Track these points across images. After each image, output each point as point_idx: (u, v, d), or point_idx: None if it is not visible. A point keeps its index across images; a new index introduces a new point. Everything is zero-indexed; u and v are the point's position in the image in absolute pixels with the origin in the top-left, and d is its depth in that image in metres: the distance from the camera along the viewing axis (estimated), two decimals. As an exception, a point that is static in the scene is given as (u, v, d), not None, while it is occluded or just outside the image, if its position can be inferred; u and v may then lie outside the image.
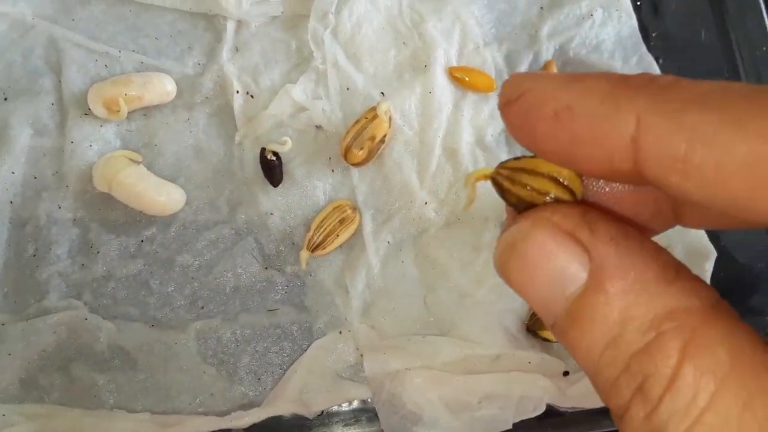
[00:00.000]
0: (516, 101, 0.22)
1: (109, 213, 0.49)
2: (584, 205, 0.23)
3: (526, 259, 0.22)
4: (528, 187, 0.23)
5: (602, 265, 0.20)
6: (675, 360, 0.19)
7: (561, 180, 0.23)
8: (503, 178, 0.24)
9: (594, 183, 0.24)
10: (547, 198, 0.23)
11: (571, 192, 0.23)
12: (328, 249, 0.49)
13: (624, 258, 0.20)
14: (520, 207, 0.24)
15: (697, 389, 0.18)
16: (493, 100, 0.52)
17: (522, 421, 0.44)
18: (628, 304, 0.20)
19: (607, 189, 0.24)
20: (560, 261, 0.21)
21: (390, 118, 0.49)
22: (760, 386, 0.18)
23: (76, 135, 0.49)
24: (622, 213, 0.24)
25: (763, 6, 0.52)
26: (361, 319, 0.48)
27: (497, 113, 0.48)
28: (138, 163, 0.49)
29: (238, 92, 0.51)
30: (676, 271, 0.20)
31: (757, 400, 0.18)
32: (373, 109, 0.49)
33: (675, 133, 0.19)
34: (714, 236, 0.48)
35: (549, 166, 0.23)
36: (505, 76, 0.52)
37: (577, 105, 0.21)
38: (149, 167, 0.49)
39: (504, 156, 0.51)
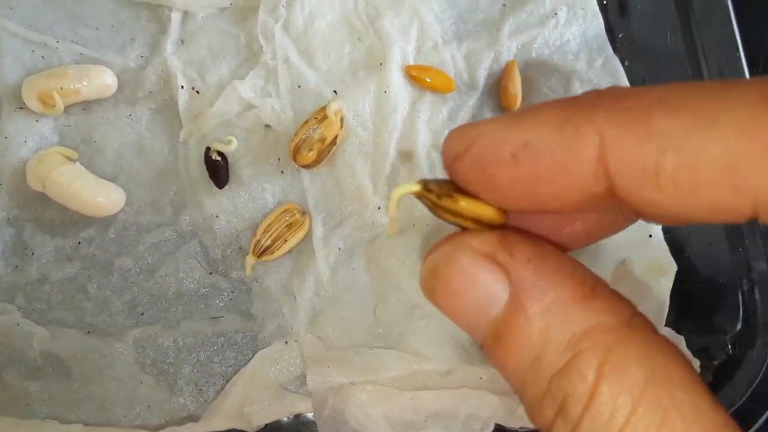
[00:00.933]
0: (465, 153, 0.22)
1: (44, 213, 0.47)
2: (503, 228, 0.23)
3: (449, 283, 0.22)
4: (452, 218, 0.24)
5: (521, 287, 0.21)
6: (592, 380, 0.19)
7: (483, 221, 0.23)
8: (429, 200, 0.24)
9: None
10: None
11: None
12: (276, 254, 0.47)
13: (541, 278, 0.21)
14: (448, 221, 0.24)
15: (615, 408, 0.19)
16: (451, 100, 0.50)
17: (468, 441, 0.43)
18: (547, 325, 0.20)
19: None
20: (482, 284, 0.21)
21: (342, 119, 0.47)
22: (674, 403, 0.18)
23: (11, 130, 0.47)
24: (554, 228, 0.25)
25: (731, 8, 0.50)
26: (309, 328, 0.46)
27: (455, 114, 0.46)
28: (74, 160, 0.46)
29: (183, 87, 0.48)
30: (592, 287, 0.21)
31: (674, 417, 0.18)
32: (323, 109, 0.46)
33: (642, 142, 0.18)
34: (678, 248, 0.47)
35: (474, 208, 0.23)
36: (465, 76, 0.50)
37: (534, 140, 0.21)
38: (88, 165, 0.47)
39: None
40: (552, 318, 0.20)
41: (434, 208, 0.24)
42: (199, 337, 0.46)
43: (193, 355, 0.46)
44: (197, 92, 0.49)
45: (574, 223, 0.25)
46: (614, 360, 0.19)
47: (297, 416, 0.46)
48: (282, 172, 0.48)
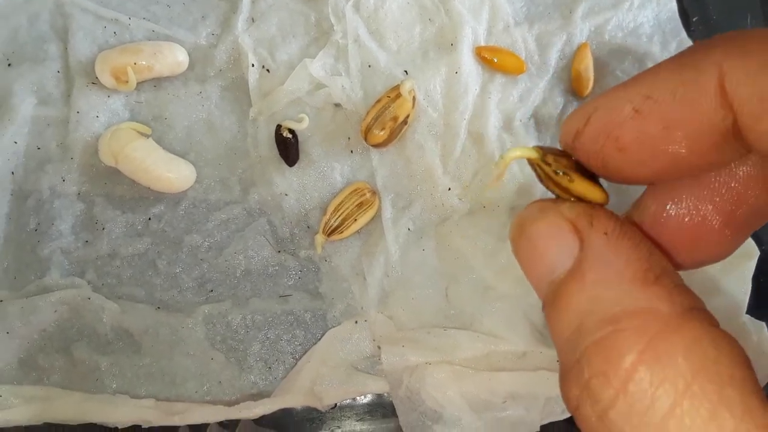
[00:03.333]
0: (585, 126, 0.22)
1: (115, 188, 0.47)
2: (596, 204, 0.23)
3: (529, 239, 0.23)
4: (558, 191, 0.24)
5: (588, 255, 0.21)
6: (629, 362, 0.18)
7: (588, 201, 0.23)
8: (543, 171, 0.24)
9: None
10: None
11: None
12: (345, 233, 0.46)
13: (610, 252, 0.21)
14: (555, 193, 0.24)
15: (654, 397, 0.18)
16: (522, 82, 0.49)
17: (550, 424, 0.42)
18: (597, 294, 0.20)
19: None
20: (556, 245, 0.22)
21: (414, 99, 0.46)
22: (724, 399, 0.18)
23: (83, 105, 0.47)
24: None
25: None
26: (379, 308, 0.45)
27: (526, 96, 0.45)
28: (147, 136, 0.46)
29: (253, 66, 0.48)
30: (658, 276, 0.20)
31: (723, 413, 0.17)
32: (396, 88, 0.46)
33: (760, 72, 0.18)
34: (762, 233, 0.45)
35: (585, 189, 0.23)
36: (536, 58, 0.50)
37: (654, 90, 0.20)
38: (158, 141, 0.47)
39: (533, 143, 0.48)
40: (604, 290, 0.20)
41: (544, 179, 0.24)
42: (268, 315, 0.46)
43: (262, 332, 0.45)
44: (267, 70, 0.48)
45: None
46: (658, 347, 0.18)
47: (366, 396, 0.45)
48: (351, 151, 0.48)
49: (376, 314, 0.45)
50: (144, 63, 0.46)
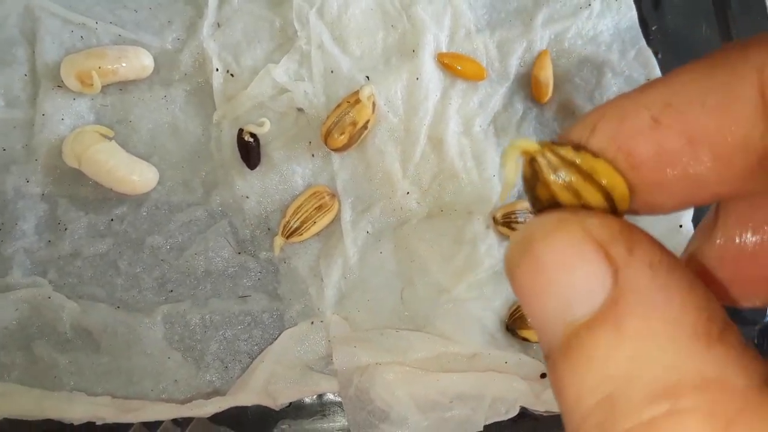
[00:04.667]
0: (590, 137, 0.18)
1: (79, 189, 0.47)
2: (633, 225, 0.18)
3: (540, 263, 0.17)
4: (570, 188, 0.19)
5: (626, 294, 0.15)
6: None
7: (611, 197, 0.19)
8: (546, 165, 0.19)
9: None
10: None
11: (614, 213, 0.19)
12: (305, 236, 0.47)
13: (657, 292, 0.15)
14: (541, 204, 0.20)
15: None
16: (482, 88, 0.50)
17: (494, 424, 0.42)
18: (642, 354, 0.15)
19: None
20: (579, 274, 0.16)
21: (373, 104, 0.47)
22: None
23: (48, 108, 0.48)
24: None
25: (767, 1, 0.50)
26: (335, 309, 0.46)
27: (486, 102, 0.46)
28: (110, 138, 0.47)
29: (217, 70, 0.49)
30: (721, 330, 0.15)
31: None
32: (356, 93, 0.47)
33: None
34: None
35: (609, 174, 0.18)
36: (497, 65, 0.50)
37: (679, 95, 0.17)
38: (123, 144, 0.48)
39: (492, 149, 0.49)
40: (654, 347, 0.15)
41: (549, 175, 0.19)
42: (226, 315, 0.46)
43: (220, 332, 0.46)
44: (231, 75, 0.49)
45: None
46: None
47: (321, 396, 0.46)
48: (312, 155, 0.49)
49: (332, 315, 0.46)
50: (109, 67, 0.47)
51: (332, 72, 0.49)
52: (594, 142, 0.18)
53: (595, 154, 0.18)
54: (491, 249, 0.46)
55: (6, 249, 0.46)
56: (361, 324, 0.46)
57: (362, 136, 0.48)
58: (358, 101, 0.46)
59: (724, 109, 0.16)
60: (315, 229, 0.47)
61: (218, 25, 0.50)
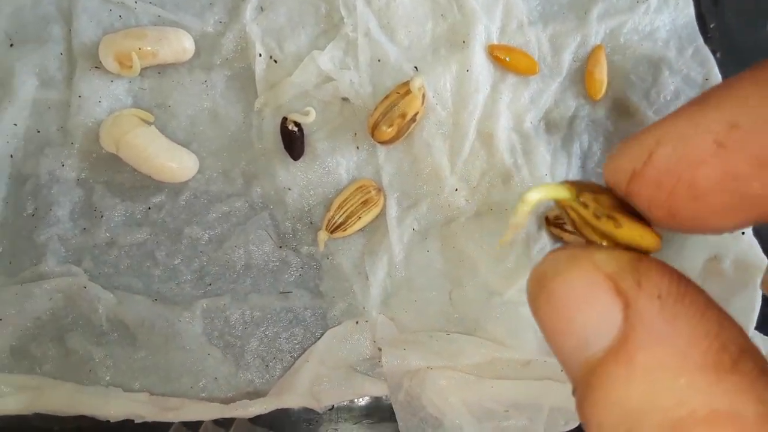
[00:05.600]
0: (645, 166, 0.17)
1: (115, 175, 0.46)
2: (642, 254, 0.18)
3: (554, 301, 0.17)
4: (598, 239, 0.19)
5: (636, 327, 0.16)
6: None
7: (637, 249, 0.18)
8: (579, 215, 0.19)
9: None
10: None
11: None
12: (349, 231, 0.45)
13: (667, 324, 0.15)
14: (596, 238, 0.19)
15: None
16: (534, 83, 0.48)
17: (552, 435, 0.41)
18: (653, 388, 0.15)
19: None
20: (591, 312, 0.16)
21: (423, 96, 0.45)
22: None
23: (85, 89, 0.46)
24: None
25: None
26: (380, 309, 0.45)
27: (537, 98, 0.45)
28: (149, 123, 0.45)
29: (260, 56, 0.47)
30: (735, 359, 0.15)
31: None
32: (406, 84, 0.45)
33: None
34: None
35: (637, 235, 0.18)
36: (549, 60, 0.49)
37: (744, 115, 0.15)
38: (161, 130, 0.46)
39: (543, 147, 0.47)
40: (664, 381, 0.15)
41: (580, 224, 0.19)
42: (267, 311, 0.45)
43: (261, 329, 0.44)
44: (275, 61, 0.47)
45: None
46: None
47: (367, 398, 0.44)
48: (357, 147, 0.47)
49: (377, 315, 0.44)
50: (149, 48, 0.45)
51: (379, 61, 0.47)
52: (650, 173, 0.17)
53: (630, 211, 0.18)
54: (544, 250, 0.45)
55: (39, 236, 0.44)
56: (408, 325, 0.44)
57: (410, 129, 0.46)
58: (408, 92, 0.45)
59: None
60: (360, 224, 0.45)
61: (262, 8, 0.48)
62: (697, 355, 0.15)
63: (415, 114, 0.45)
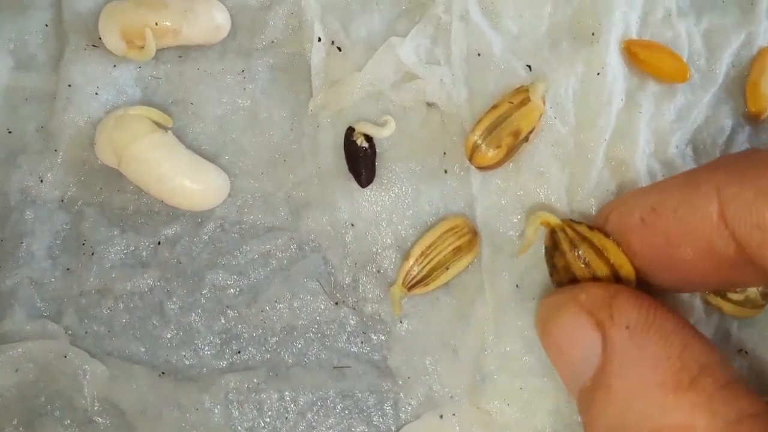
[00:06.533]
0: (605, 223, 0.27)
1: (114, 197, 0.35)
2: (622, 285, 0.24)
3: (553, 340, 0.23)
4: (583, 261, 0.27)
5: (611, 357, 0.20)
6: None
7: (618, 274, 0.26)
8: (565, 238, 0.28)
9: None
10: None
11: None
12: (431, 287, 0.34)
13: (634, 351, 0.20)
14: (560, 276, 0.28)
15: None
16: (681, 94, 0.37)
17: None
18: (625, 409, 0.19)
19: None
20: (580, 346, 0.21)
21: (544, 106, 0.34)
22: None
23: (77, 75, 0.35)
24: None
25: None
26: (474, 398, 0.34)
27: (685, 114, 0.37)
28: (166, 129, 0.34)
29: (319, 40, 0.35)
30: (694, 377, 0.18)
31: None
32: (523, 90, 0.34)
33: (756, 200, 0.19)
34: None
35: (616, 253, 0.26)
36: (702, 63, 0.38)
37: (659, 203, 0.23)
38: (180, 136, 0.35)
39: None
40: (633, 402, 0.19)
41: (568, 249, 0.28)
42: (316, 393, 0.33)
43: (307, 419, 0.33)
44: (338, 49, 0.36)
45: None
46: None
47: None
48: (446, 171, 0.35)
49: (469, 407, 0.33)
50: (168, 24, 0.34)
51: (479, 55, 0.36)
52: (607, 229, 0.26)
53: (607, 235, 0.27)
54: (699, 323, 0.33)
55: (5, 279, 0.33)
56: (510, 424, 0.33)
57: (519, 151, 0.34)
58: (526, 101, 0.34)
59: (690, 222, 0.21)
60: (446, 277, 0.34)
61: None
62: (659, 377, 0.19)
63: (531, 131, 0.33)
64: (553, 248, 0.28)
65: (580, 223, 0.29)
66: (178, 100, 0.35)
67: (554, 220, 0.29)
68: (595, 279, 0.27)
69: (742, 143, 0.38)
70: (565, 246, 0.28)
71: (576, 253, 0.27)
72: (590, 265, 0.26)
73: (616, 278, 0.26)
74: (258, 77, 0.36)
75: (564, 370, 0.22)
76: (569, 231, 0.28)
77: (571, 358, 0.21)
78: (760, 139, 0.38)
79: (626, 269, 0.25)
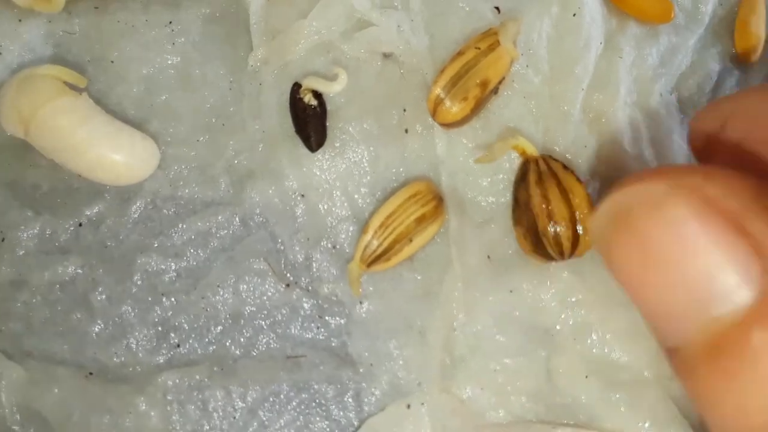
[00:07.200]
0: (719, 134, 0.22)
1: (25, 173, 0.30)
2: (750, 179, 0.16)
3: (650, 244, 0.15)
4: (544, 198, 0.27)
5: None
6: None
7: (576, 224, 0.26)
8: (535, 170, 0.27)
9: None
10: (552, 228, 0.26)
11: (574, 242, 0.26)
12: (394, 261, 0.30)
13: None
14: (519, 214, 0.28)
15: None
16: (664, 36, 0.33)
17: None
18: None
19: None
20: (710, 261, 0.14)
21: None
22: None
23: None
24: None
25: None
26: (444, 384, 0.30)
27: (669, 58, 0.33)
28: (81, 90, 0.29)
29: None
30: None
31: None
32: (492, 33, 0.30)
33: None
34: None
35: (582, 201, 0.26)
36: (686, 1, 0.34)
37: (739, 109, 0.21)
38: (100, 99, 0.30)
39: (677, 131, 0.33)
40: None
41: (536, 183, 0.28)
42: (267, 388, 0.30)
43: (258, 418, 0.29)
44: None
45: None
46: None
47: None
48: (406, 130, 0.31)
49: (439, 394, 0.30)
50: None
51: None
52: (724, 139, 0.20)
53: (579, 180, 0.27)
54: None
55: None
56: (486, 410, 0.30)
57: (487, 104, 0.30)
58: (494, 46, 0.30)
59: None
60: (410, 250, 0.30)
61: None
62: None
63: (500, 81, 0.30)
64: (520, 179, 0.28)
65: (556, 160, 0.28)
66: (96, 58, 0.31)
67: (530, 149, 0.28)
68: (550, 219, 0.26)
69: (730, 89, 0.35)
70: (531, 177, 0.27)
71: (539, 188, 0.26)
72: (550, 203, 0.26)
73: (573, 227, 0.26)
74: (189, 29, 0.31)
75: (666, 288, 0.15)
76: (542, 164, 0.28)
77: (689, 276, 0.14)
78: (752, 84, 0.35)
79: (587, 221, 0.25)
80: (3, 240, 0.29)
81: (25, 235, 0.29)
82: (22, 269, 0.29)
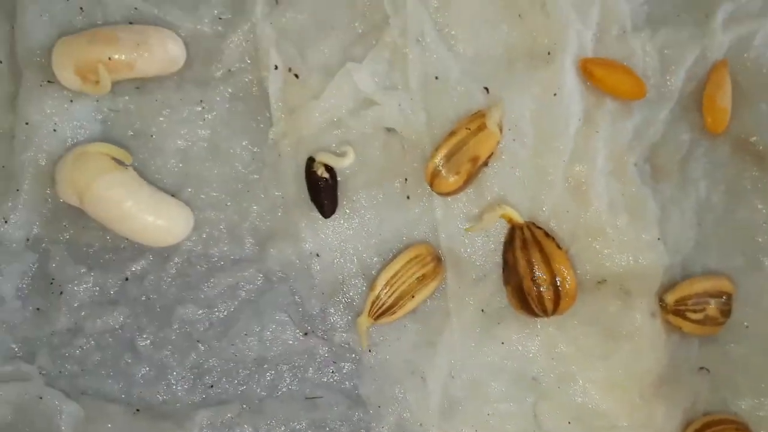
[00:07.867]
0: None
1: (80, 234, 0.35)
2: None
3: None
4: (529, 261, 0.30)
5: None
6: None
7: (557, 284, 0.29)
8: (520, 236, 0.30)
9: None
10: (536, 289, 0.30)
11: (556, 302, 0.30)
12: (398, 314, 0.35)
13: None
14: (508, 273, 0.31)
15: None
16: (638, 112, 0.37)
17: None
18: None
19: None
20: None
21: (501, 131, 0.34)
22: None
23: (34, 113, 0.35)
24: None
25: None
26: (443, 426, 0.35)
27: (643, 131, 0.37)
28: (126, 166, 0.34)
29: (276, 68, 0.36)
30: None
31: None
32: (479, 115, 0.34)
33: None
34: None
35: (561, 265, 0.30)
36: (657, 79, 0.38)
37: None
38: (141, 170, 0.35)
39: (650, 198, 0.37)
40: None
41: (521, 252, 0.30)
42: (289, 425, 0.35)
43: None
44: (296, 76, 0.36)
45: None
46: None
47: None
48: (408, 197, 0.36)
49: None
50: (122, 57, 0.34)
51: (436, 79, 0.36)
52: None
53: (558, 246, 0.30)
54: (656, 348, 0.34)
55: None
56: None
57: (478, 175, 0.35)
58: (482, 127, 0.34)
59: None
60: (412, 305, 0.35)
61: (277, 2, 0.36)
62: None
63: (489, 156, 0.34)
64: (508, 243, 0.30)
65: (539, 228, 0.31)
66: (137, 132, 0.35)
67: (516, 218, 0.31)
68: (533, 282, 0.30)
69: (700, 158, 0.38)
70: (517, 243, 0.29)
71: (524, 254, 0.29)
72: (534, 267, 0.30)
73: (554, 287, 0.29)
74: (217, 107, 0.36)
75: None
76: (526, 231, 0.31)
77: None
78: (719, 154, 0.38)
79: (569, 282, 0.29)
80: (62, 293, 0.34)
81: (80, 288, 0.34)
82: (77, 318, 0.34)
